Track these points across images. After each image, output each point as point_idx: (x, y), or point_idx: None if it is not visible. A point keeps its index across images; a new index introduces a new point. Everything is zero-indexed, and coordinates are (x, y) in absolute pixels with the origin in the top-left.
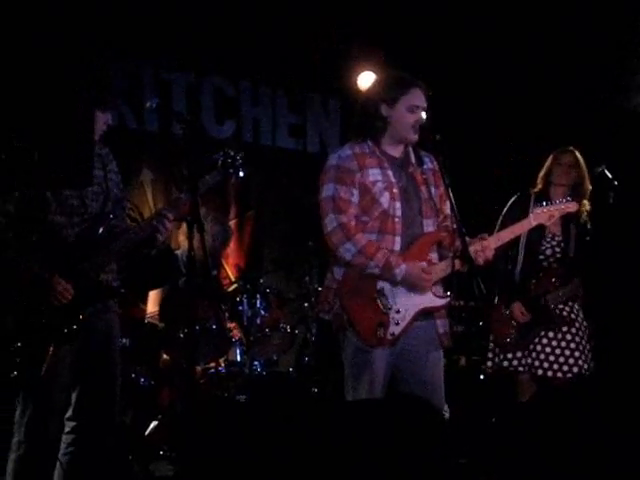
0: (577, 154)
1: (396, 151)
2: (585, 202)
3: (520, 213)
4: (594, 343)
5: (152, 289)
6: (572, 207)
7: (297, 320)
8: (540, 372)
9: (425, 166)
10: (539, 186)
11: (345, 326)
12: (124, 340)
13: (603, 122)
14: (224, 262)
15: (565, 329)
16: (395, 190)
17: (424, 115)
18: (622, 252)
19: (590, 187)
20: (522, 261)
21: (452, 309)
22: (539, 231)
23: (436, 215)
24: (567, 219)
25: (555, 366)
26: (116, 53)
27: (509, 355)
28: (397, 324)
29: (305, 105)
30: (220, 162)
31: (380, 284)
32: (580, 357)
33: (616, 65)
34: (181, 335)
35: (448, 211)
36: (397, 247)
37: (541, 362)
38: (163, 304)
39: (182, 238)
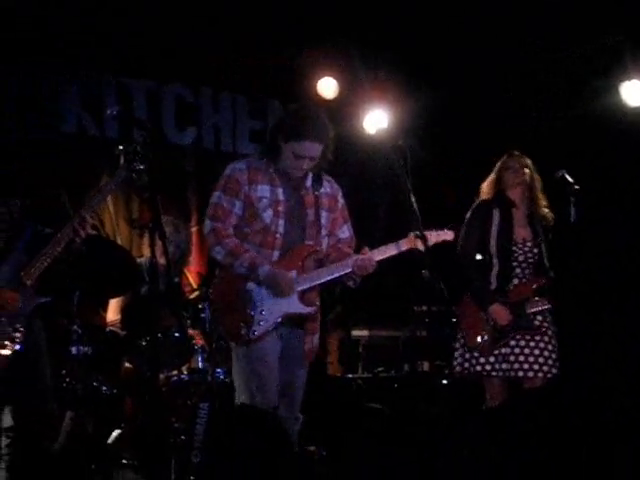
0: (525, 158)
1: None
2: (542, 203)
3: (484, 220)
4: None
5: (113, 297)
6: (449, 236)
7: None
8: (521, 374)
9: (322, 190)
10: (489, 194)
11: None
12: (86, 348)
13: (558, 127)
14: (186, 269)
15: (538, 337)
16: (280, 208)
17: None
18: (585, 256)
19: (539, 187)
20: (498, 266)
21: (416, 314)
22: (508, 236)
23: (318, 238)
24: (536, 222)
25: (536, 366)
26: (78, 60)
27: (482, 359)
28: (260, 324)
29: (266, 111)
30: (122, 159)
31: (249, 285)
32: (553, 364)
33: (570, 70)
34: (143, 343)
35: (343, 235)
36: (275, 259)
37: (521, 364)
38: (125, 312)
39: (145, 246)
